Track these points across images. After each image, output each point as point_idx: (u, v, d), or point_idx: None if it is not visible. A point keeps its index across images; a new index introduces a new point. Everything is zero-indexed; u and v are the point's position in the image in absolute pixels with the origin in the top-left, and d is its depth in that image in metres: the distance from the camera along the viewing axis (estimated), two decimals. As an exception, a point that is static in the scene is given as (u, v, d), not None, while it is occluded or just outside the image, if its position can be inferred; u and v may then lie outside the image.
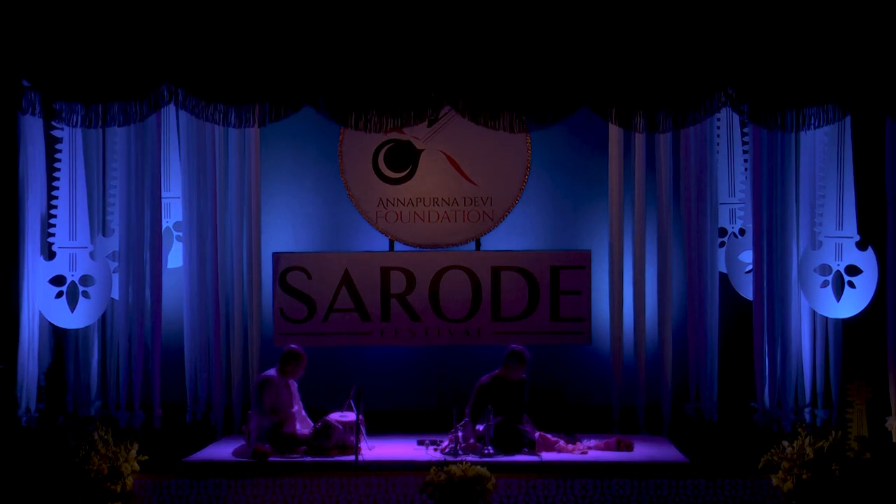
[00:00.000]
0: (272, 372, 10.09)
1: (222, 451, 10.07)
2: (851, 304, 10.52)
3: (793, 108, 9.51)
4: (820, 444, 9.12)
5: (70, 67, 9.42)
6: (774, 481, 9.16)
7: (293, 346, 10.24)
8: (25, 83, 9.59)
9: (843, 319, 10.62)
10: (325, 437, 9.73)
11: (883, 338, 10.17)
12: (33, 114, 9.68)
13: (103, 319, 11.13)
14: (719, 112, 10.07)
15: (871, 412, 10.13)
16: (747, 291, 10.95)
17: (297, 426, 9.99)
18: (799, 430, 9.39)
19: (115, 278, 10.93)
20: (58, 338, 10.97)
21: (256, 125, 9.75)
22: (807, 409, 10.73)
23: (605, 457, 9.77)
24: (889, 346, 10.08)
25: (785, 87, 9.42)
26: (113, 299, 10.99)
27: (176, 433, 10.70)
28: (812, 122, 9.59)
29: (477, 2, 9.35)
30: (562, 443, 9.94)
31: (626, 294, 11.24)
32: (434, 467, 8.97)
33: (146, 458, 9.42)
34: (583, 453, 9.86)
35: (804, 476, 9.00)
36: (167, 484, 9.32)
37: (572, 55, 9.41)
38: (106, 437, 9.30)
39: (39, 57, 9.43)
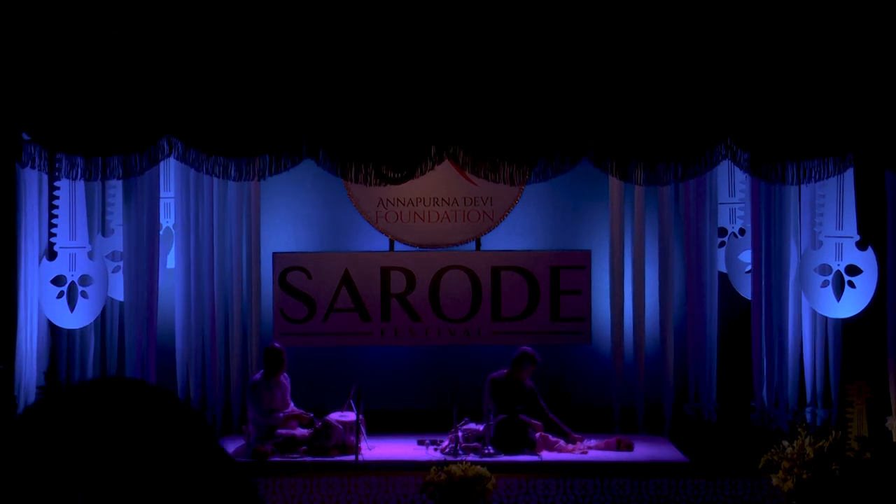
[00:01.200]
0: (257, 376, 10.15)
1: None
2: (851, 303, 10.51)
3: (794, 161, 9.52)
4: (820, 444, 9.12)
5: (70, 120, 9.40)
6: (774, 481, 9.16)
7: (271, 344, 10.32)
8: (25, 136, 9.62)
9: (843, 319, 10.61)
10: (325, 437, 9.73)
11: (883, 338, 10.16)
12: (33, 167, 9.70)
13: (102, 319, 11.13)
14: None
15: (871, 412, 10.13)
16: (747, 291, 10.95)
17: (296, 426, 10.00)
18: (799, 430, 9.38)
19: (114, 278, 10.93)
20: (56, 338, 10.97)
21: (256, 179, 9.79)
22: (807, 409, 10.73)
23: (605, 457, 9.77)
24: (889, 346, 10.08)
25: (785, 141, 9.41)
26: (111, 299, 10.99)
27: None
28: (813, 174, 9.60)
29: (476, 61, 9.33)
30: (562, 443, 9.95)
31: (626, 294, 11.24)
32: (434, 467, 8.97)
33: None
34: (583, 453, 9.86)
35: (804, 476, 9.00)
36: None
37: (571, 110, 9.40)
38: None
39: (40, 110, 9.42)
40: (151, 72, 9.30)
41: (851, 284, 10.50)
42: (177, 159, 9.71)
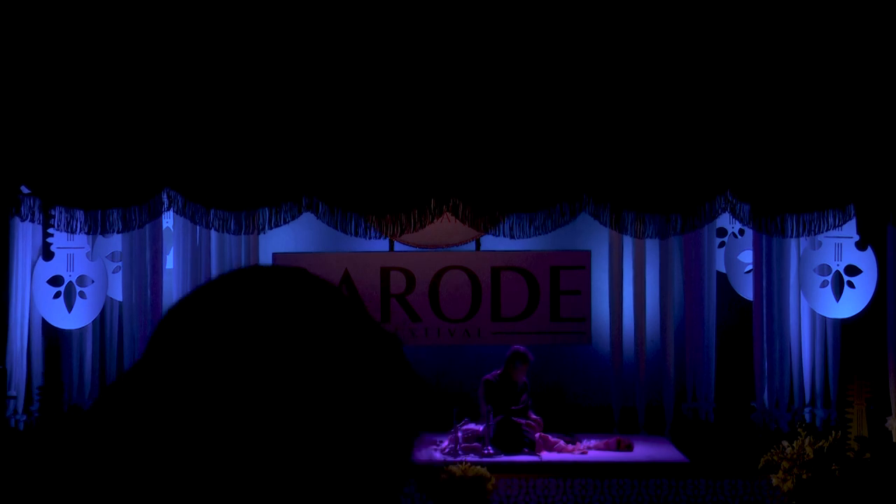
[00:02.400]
0: None
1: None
2: (851, 304, 10.51)
3: (794, 214, 9.53)
4: (820, 444, 9.12)
5: (70, 173, 9.42)
6: (774, 481, 9.16)
7: None
8: (25, 189, 9.61)
9: (843, 319, 10.61)
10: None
11: (883, 338, 10.17)
12: (32, 220, 9.72)
13: (101, 320, 11.11)
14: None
15: (871, 412, 10.13)
16: (746, 291, 10.95)
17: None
18: (799, 430, 9.39)
19: (114, 278, 10.92)
20: (55, 338, 10.95)
21: (256, 232, 9.79)
22: (806, 409, 10.73)
23: (605, 457, 9.77)
24: (889, 346, 10.08)
25: (786, 193, 9.44)
26: (110, 299, 10.98)
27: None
28: (813, 227, 9.62)
29: (474, 115, 9.37)
30: (562, 443, 9.95)
31: (625, 294, 11.24)
32: (433, 467, 8.96)
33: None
34: (583, 453, 9.86)
35: (804, 476, 9.00)
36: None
37: (571, 163, 9.43)
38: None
39: (39, 163, 9.44)
40: (151, 125, 9.34)
41: (851, 284, 10.50)
42: (176, 213, 9.71)
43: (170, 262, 11.27)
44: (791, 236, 9.74)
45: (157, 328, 1.21)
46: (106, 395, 1.19)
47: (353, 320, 1.21)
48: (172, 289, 11.02)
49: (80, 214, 9.62)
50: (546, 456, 9.72)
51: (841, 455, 9.08)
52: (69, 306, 10.78)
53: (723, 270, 11.24)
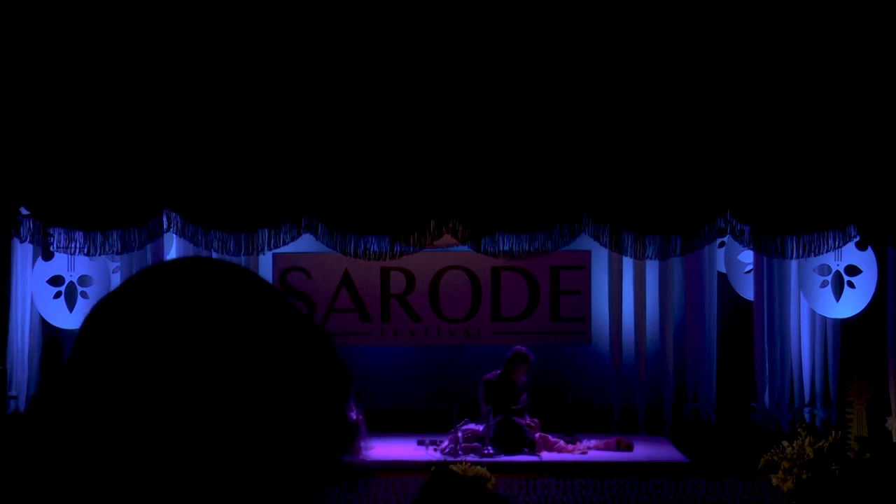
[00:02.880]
0: None
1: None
2: (851, 304, 10.50)
3: (794, 235, 9.55)
4: (820, 444, 9.12)
5: (69, 195, 9.43)
6: (774, 481, 9.16)
7: None
8: (24, 210, 9.62)
9: (843, 319, 10.61)
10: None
11: (883, 338, 10.17)
12: (31, 241, 9.71)
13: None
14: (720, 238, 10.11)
15: (871, 412, 10.13)
16: (747, 291, 10.94)
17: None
18: (799, 430, 9.39)
19: (115, 278, 10.92)
20: (57, 338, 10.95)
21: (255, 254, 9.78)
22: (806, 409, 10.73)
23: (605, 457, 9.77)
24: (889, 346, 10.08)
25: (786, 214, 9.47)
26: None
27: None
28: (813, 248, 9.64)
29: (473, 136, 9.39)
30: (562, 443, 9.95)
31: (625, 294, 11.23)
32: (434, 467, 8.96)
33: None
34: (583, 453, 9.86)
35: (804, 476, 9.00)
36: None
37: (571, 183, 9.45)
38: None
39: (38, 184, 9.45)
40: (150, 146, 9.35)
41: (851, 285, 10.49)
42: (176, 234, 9.71)
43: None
44: (791, 258, 9.78)
45: (80, 327, 1.23)
46: (38, 396, 1.20)
47: (259, 309, 1.21)
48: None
49: (79, 236, 9.64)
50: (546, 456, 9.72)
51: (841, 455, 9.08)
52: (70, 306, 10.78)
53: (723, 270, 11.23)
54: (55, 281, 10.78)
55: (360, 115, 9.36)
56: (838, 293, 10.51)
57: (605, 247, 9.82)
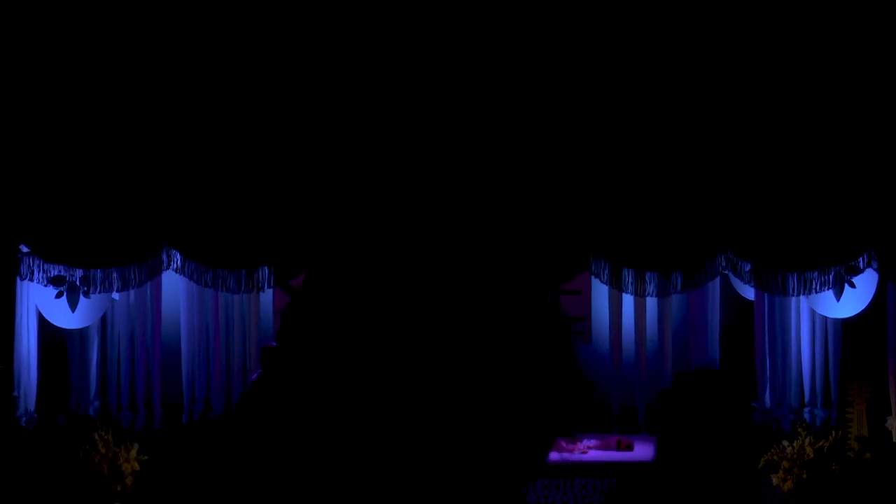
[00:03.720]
0: (254, 376, 10.18)
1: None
2: (851, 304, 10.50)
3: (795, 272, 9.57)
4: (820, 444, 9.14)
5: (69, 233, 9.48)
6: (774, 481, 9.17)
7: (268, 344, 10.36)
8: (24, 248, 9.65)
9: (843, 319, 10.61)
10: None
11: (883, 338, 10.17)
12: (31, 280, 9.73)
13: (103, 319, 11.13)
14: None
15: (871, 412, 10.13)
16: (747, 291, 10.94)
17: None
18: (799, 429, 9.40)
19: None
20: (58, 338, 10.96)
21: (256, 290, 9.80)
22: (806, 409, 10.73)
23: (605, 457, 9.77)
24: (889, 346, 10.09)
25: (787, 251, 9.52)
26: (113, 300, 10.99)
27: (174, 433, 10.70)
28: (814, 285, 9.68)
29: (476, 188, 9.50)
30: (562, 443, 9.95)
31: (626, 294, 11.22)
32: None
33: (146, 457, 9.43)
34: (583, 453, 9.86)
35: (804, 476, 9.01)
36: (167, 483, 9.34)
37: (574, 220, 9.52)
38: (106, 437, 9.31)
39: (38, 223, 9.50)
40: (151, 185, 9.40)
41: (851, 284, 10.49)
42: (176, 272, 9.72)
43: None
44: (792, 295, 9.83)
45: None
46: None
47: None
48: (178, 288, 11.03)
49: (78, 273, 9.67)
50: (546, 456, 9.73)
51: (841, 455, 9.09)
52: (73, 306, 10.78)
53: (723, 270, 11.24)
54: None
55: (361, 156, 9.47)
56: (839, 293, 10.51)
57: (605, 283, 9.89)
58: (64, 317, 10.78)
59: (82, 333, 11.03)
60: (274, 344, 10.47)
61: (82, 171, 9.40)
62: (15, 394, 10.44)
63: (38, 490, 9.13)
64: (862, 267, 9.70)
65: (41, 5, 9.47)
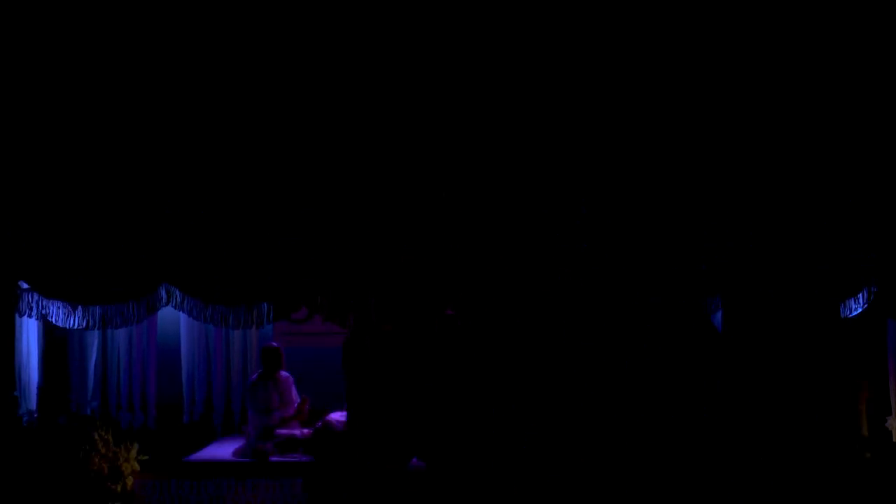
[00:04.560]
0: (254, 375, 10.20)
1: (222, 450, 10.09)
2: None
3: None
4: (820, 444, 9.14)
5: (68, 269, 9.49)
6: (773, 481, 9.17)
7: (268, 343, 10.38)
8: (23, 285, 9.67)
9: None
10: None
11: (883, 338, 10.17)
12: (30, 316, 9.75)
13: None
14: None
15: (871, 412, 10.13)
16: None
17: (296, 426, 10.02)
18: (798, 430, 9.39)
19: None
20: (58, 338, 10.98)
21: (255, 327, 9.80)
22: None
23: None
24: (889, 346, 10.09)
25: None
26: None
27: (174, 433, 10.72)
28: None
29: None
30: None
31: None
32: None
33: (146, 457, 9.45)
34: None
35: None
36: (167, 483, 9.34)
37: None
38: (106, 437, 9.32)
39: (37, 259, 9.52)
40: (149, 221, 9.42)
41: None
42: (175, 308, 9.74)
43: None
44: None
45: None
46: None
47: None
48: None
49: (78, 310, 9.69)
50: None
51: (841, 455, 9.09)
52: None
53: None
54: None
55: (361, 197, 9.52)
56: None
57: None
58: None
59: (82, 333, 11.06)
60: (274, 344, 10.47)
61: (82, 209, 9.47)
62: (15, 393, 10.47)
63: (38, 490, 9.14)
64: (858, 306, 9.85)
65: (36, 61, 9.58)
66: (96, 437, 9.28)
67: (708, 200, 9.56)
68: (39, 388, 10.61)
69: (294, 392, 10.37)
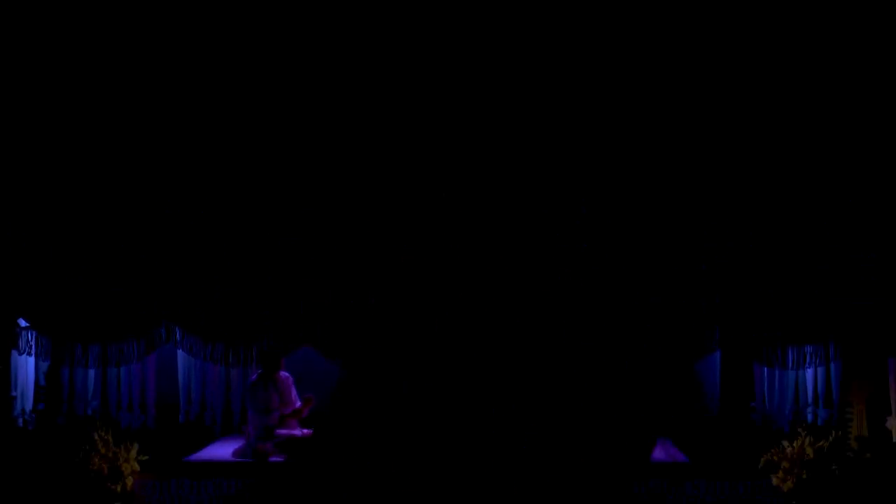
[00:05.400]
0: (254, 376, 10.20)
1: (222, 450, 10.08)
2: (851, 303, 10.52)
3: (794, 347, 9.81)
4: (820, 444, 9.13)
5: (68, 308, 9.52)
6: (774, 481, 9.17)
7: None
8: (22, 323, 9.67)
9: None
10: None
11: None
12: (30, 354, 9.75)
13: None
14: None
15: (871, 412, 10.13)
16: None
17: (296, 426, 10.01)
18: (799, 429, 9.40)
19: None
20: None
21: (255, 364, 9.82)
22: (807, 409, 10.73)
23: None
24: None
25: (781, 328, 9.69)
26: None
27: (173, 433, 10.71)
28: (808, 360, 9.88)
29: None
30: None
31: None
32: None
33: (146, 457, 9.44)
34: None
35: (804, 476, 9.01)
36: (167, 483, 9.33)
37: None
38: (106, 437, 9.32)
39: (37, 297, 9.54)
40: (149, 260, 9.44)
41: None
42: (175, 346, 9.75)
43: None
44: (791, 368, 9.96)
45: None
46: None
47: None
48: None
49: (78, 349, 9.71)
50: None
51: (841, 455, 9.09)
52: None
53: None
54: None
55: (361, 236, 9.55)
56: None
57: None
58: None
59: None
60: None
61: (82, 248, 9.50)
62: (14, 394, 10.46)
63: (38, 490, 9.13)
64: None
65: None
66: (96, 437, 9.27)
67: (708, 201, 9.59)
68: (39, 388, 10.60)
69: (294, 392, 10.36)
